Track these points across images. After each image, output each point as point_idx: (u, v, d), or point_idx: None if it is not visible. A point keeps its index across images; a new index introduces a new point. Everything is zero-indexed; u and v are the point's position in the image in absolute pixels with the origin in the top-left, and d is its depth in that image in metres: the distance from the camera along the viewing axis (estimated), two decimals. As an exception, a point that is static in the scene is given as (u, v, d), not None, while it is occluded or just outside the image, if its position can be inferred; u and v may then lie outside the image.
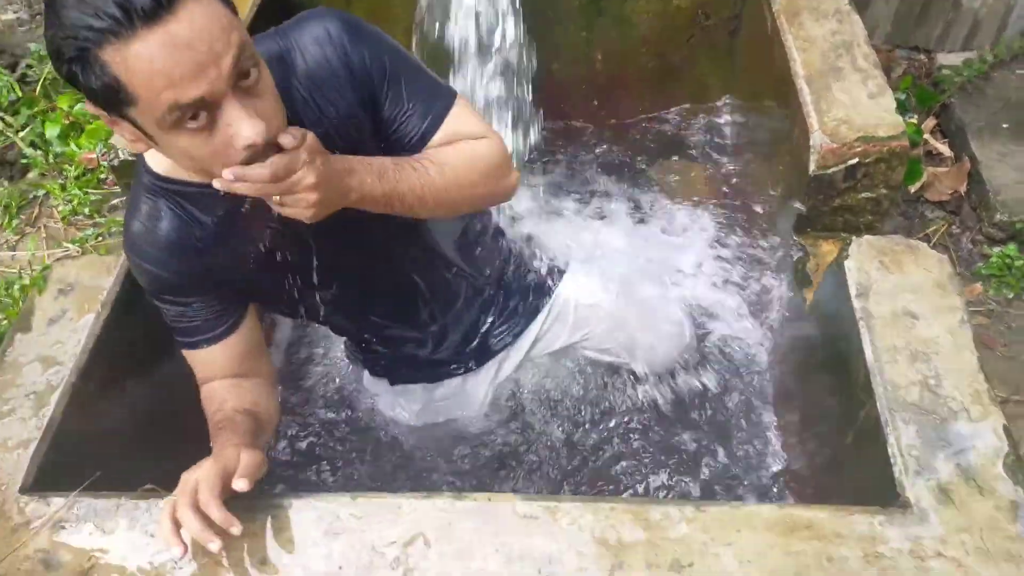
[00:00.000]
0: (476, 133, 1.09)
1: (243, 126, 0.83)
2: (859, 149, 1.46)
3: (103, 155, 2.01)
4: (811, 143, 1.48)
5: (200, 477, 0.93)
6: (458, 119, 1.08)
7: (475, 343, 1.50)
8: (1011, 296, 1.86)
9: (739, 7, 2.12)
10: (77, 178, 1.96)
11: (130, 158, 1.63)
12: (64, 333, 1.31)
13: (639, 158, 2.34)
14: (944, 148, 2.20)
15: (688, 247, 2.08)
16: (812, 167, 1.48)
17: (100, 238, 1.74)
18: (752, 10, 2.00)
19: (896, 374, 1.18)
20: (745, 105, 2.19)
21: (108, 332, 1.32)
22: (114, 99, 0.81)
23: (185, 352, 1.17)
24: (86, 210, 1.87)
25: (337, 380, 1.87)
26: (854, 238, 1.38)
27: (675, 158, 2.32)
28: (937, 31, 2.39)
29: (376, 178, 0.98)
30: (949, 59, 2.37)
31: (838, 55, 1.64)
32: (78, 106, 2.20)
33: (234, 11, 0.85)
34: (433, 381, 1.56)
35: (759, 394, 1.79)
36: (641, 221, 2.17)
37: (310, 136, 0.89)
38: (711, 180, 2.24)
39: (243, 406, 1.11)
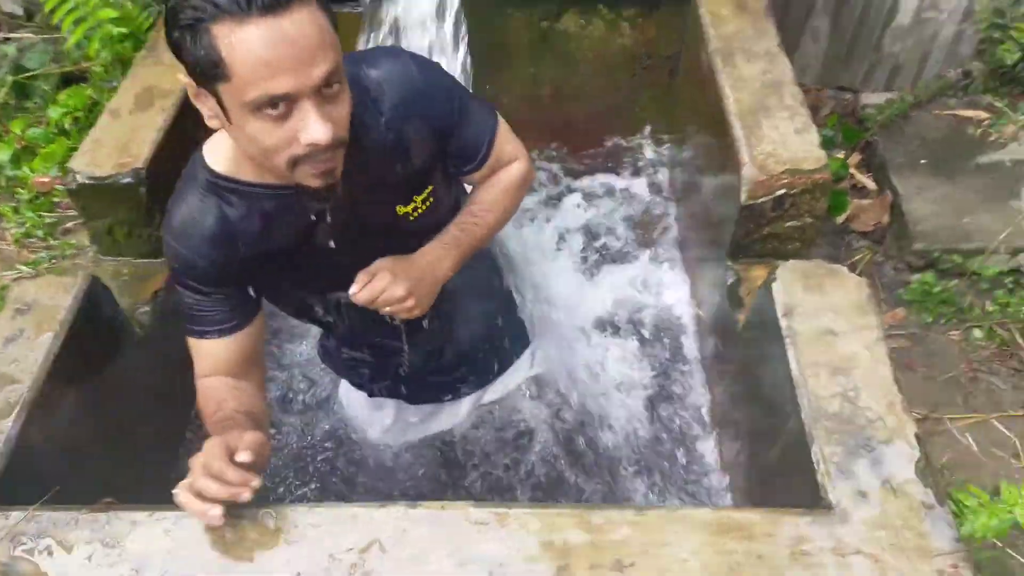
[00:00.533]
0: (513, 153, 1.27)
1: (313, 125, 0.91)
2: (786, 181, 1.56)
3: (57, 179, 2.02)
4: (742, 175, 1.58)
5: (206, 454, 0.98)
6: (502, 139, 1.24)
7: (464, 368, 1.56)
8: (930, 320, 1.96)
9: (678, 47, 2.24)
10: (30, 201, 1.96)
11: (87, 182, 1.64)
12: (21, 352, 1.32)
13: (585, 188, 2.44)
14: (869, 182, 2.34)
15: (629, 271, 2.19)
16: (743, 197, 1.57)
17: (54, 260, 1.74)
18: (690, 51, 2.12)
19: (818, 387, 1.26)
20: (683, 140, 2.29)
21: (66, 351, 1.34)
22: (211, 72, 0.88)
23: (193, 341, 1.21)
24: (39, 233, 1.87)
25: (306, 391, 1.90)
26: (781, 263, 1.46)
27: (620, 189, 2.43)
28: (861, 72, 2.55)
29: (454, 249, 1.18)
30: (872, 99, 2.52)
31: (767, 93, 1.74)
32: (31, 130, 2.20)
33: (336, 31, 0.93)
34: (413, 403, 1.61)
35: (696, 412, 1.87)
36: (584, 249, 2.28)
37: (377, 264, 1.12)
38: (653, 212, 2.36)
39: (242, 408, 1.15)
